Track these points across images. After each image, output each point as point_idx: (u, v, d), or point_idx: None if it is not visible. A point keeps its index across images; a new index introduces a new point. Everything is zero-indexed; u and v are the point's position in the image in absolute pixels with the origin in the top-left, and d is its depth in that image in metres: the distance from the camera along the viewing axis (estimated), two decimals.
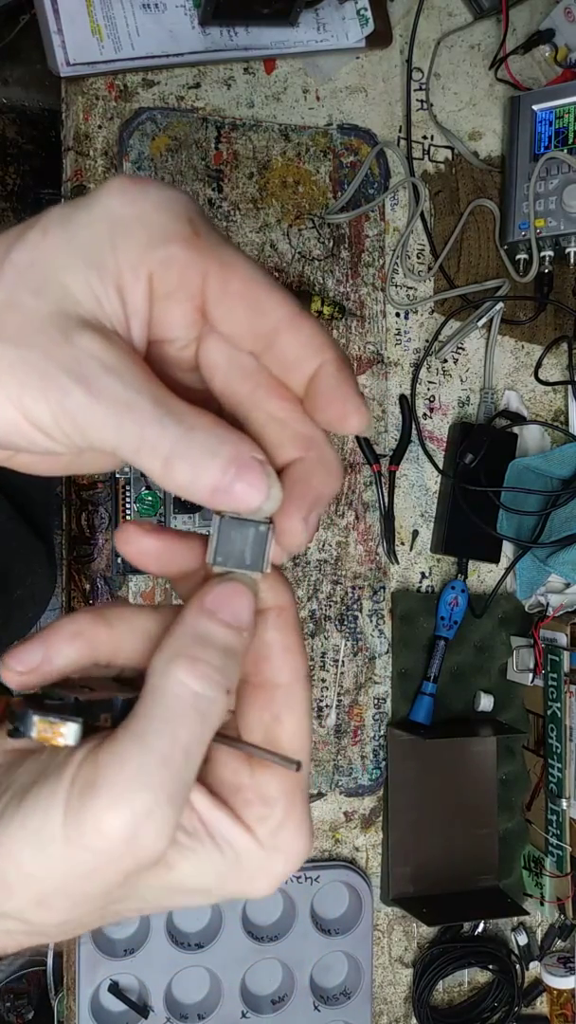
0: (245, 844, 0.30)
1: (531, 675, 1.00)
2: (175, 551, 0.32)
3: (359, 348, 1.00)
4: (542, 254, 1.01)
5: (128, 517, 0.91)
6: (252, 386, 0.31)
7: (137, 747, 0.27)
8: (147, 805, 0.27)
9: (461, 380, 1.04)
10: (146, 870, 0.28)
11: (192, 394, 0.33)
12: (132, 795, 0.27)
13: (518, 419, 1.04)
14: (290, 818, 0.31)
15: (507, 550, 1.05)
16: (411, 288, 1.03)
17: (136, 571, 0.91)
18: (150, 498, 0.90)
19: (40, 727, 0.29)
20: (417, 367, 1.02)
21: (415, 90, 1.03)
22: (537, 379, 1.06)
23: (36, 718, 0.29)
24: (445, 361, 1.04)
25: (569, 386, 1.07)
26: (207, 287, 0.30)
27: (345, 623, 0.99)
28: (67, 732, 0.29)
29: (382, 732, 1.00)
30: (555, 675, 0.97)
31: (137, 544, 0.32)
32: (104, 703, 0.30)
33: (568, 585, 1.05)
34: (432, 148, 1.04)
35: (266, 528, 0.31)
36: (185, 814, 0.30)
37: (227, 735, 0.31)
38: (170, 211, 0.30)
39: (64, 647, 0.32)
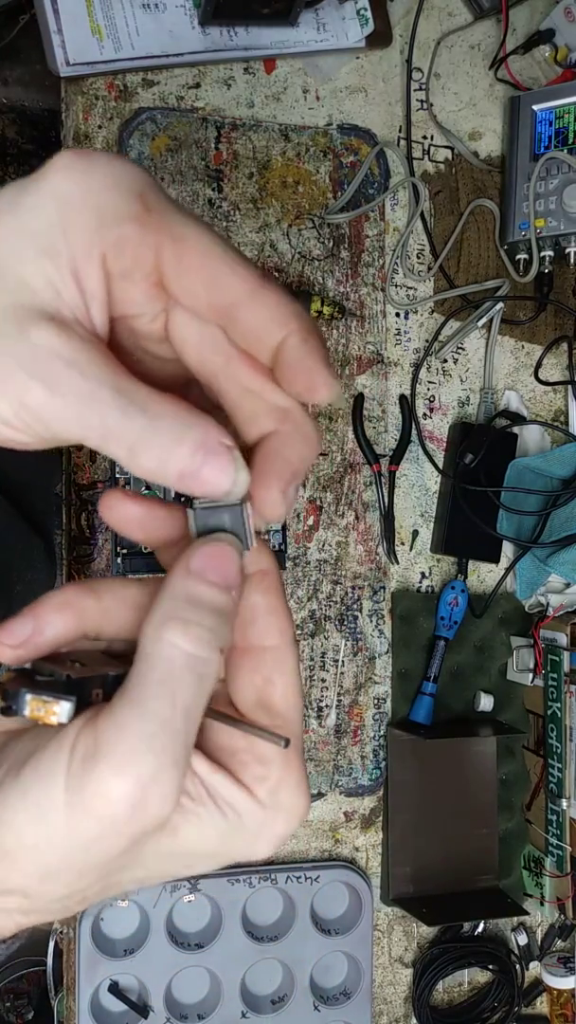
0: (246, 805, 0.31)
1: (531, 675, 1.00)
2: (159, 518, 0.32)
3: (359, 348, 1.00)
4: (542, 254, 1.01)
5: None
6: (224, 358, 0.31)
7: (136, 712, 0.27)
8: (151, 769, 0.27)
9: (461, 380, 1.04)
10: (151, 835, 0.28)
11: (167, 366, 0.33)
12: (136, 760, 0.27)
13: (518, 419, 1.04)
14: (288, 777, 0.31)
15: (507, 550, 1.05)
16: (411, 288, 1.03)
17: (136, 571, 0.91)
18: None
19: (33, 705, 0.29)
20: (417, 367, 1.02)
21: (415, 90, 1.03)
22: (537, 379, 1.06)
23: (29, 696, 0.29)
24: (445, 361, 1.04)
25: (569, 386, 1.07)
26: (162, 263, 0.29)
27: (345, 623, 0.99)
28: (60, 710, 0.29)
29: (382, 732, 1.00)
30: (555, 675, 0.97)
31: (121, 510, 0.32)
32: (96, 679, 0.30)
33: (568, 585, 1.05)
34: (432, 148, 1.04)
35: (240, 508, 0.31)
36: (187, 778, 0.30)
37: (217, 711, 0.31)
38: (119, 188, 0.29)
39: (53, 618, 0.32)
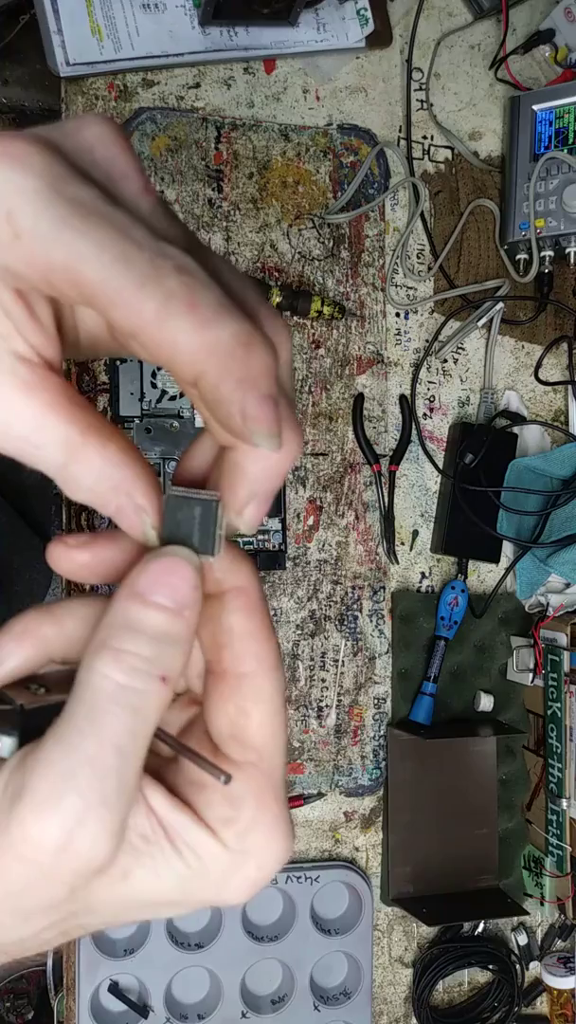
0: (208, 848, 0.28)
1: (531, 675, 1.00)
2: (108, 556, 0.30)
3: (359, 348, 1.00)
4: (542, 254, 1.01)
5: None
6: (193, 373, 0.27)
7: (61, 749, 0.26)
8: (75, 810, 0.25)
9: (461, 380, 1.04)
10: (94, 880, 0.26)
11: None
12: (57, 800, 0.25)
13: (518, 419, 1.04)
14: (260, 819, 0.29)
15: (507, 550, 1.05)
16: (411, 288, 1.03)
17: None
18: None
19: None
20: (417, 367, 1.02)
21: (415, 90, 1.03)
22: (537, 379, 1.06)
23: None
24: (445, 361, 1.04)
25: (569, 386, 1.07)
26: (57, 291, 0.26)
27: (345, 623, 0.99)
28: (1, 746, 0.27)
29: (382, 732, 1.00)
30: (555, 675, 0.97)
31: (67, 562, 0.30)
32: (56, 706, 0.27)
33: (568, 585, 1.05)
34: (432, 148, 1.04)
35: (214, 504, 0.28)
36: (141, 816, 0.28)
37: (161, 732, 0.29)
38: None
39: (12, 647, 0.30)
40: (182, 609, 0.27)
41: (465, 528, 1.00)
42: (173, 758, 0.30)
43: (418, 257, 1.04)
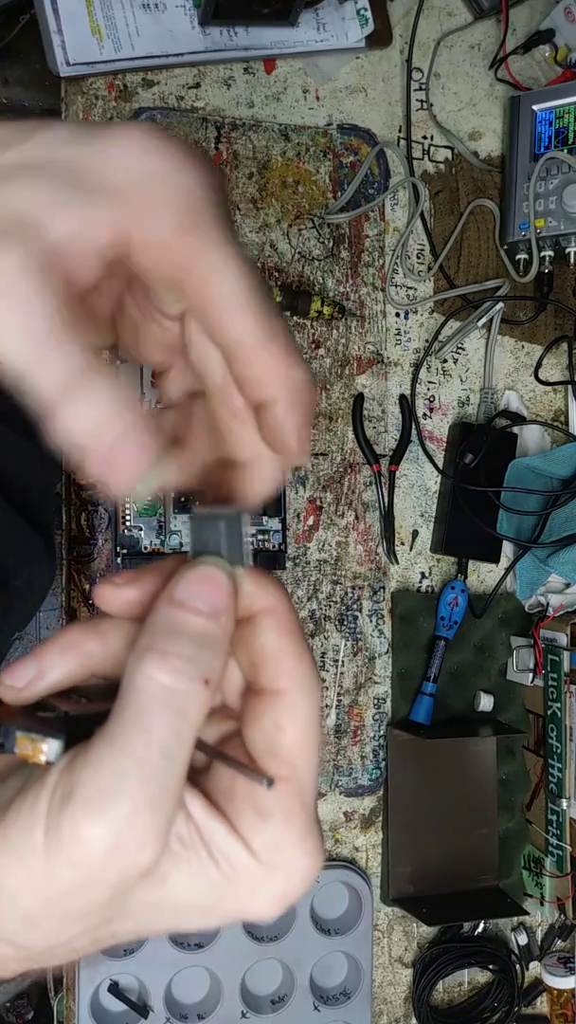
0: (241, 858, 0.28)
1: (531, 675, 1.00)
2: (154, 591, 0.30)
3: (359, 348, 1.00)
4: (542, 254, 1.01)
5: (127, 518, 0.91)
6: (222, 381, 0.31)
7: (110, 750, 0.26)
8: (126, 811, 0.25)
9: (461, 380, 1.04)
10: (136, 883, 0.27)
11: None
12: (108, 801, 0.25)
13: (518, 419, 1.04)
14: (288, 832, 0.29)
15: (507, 550, 1.05)
16: (411, 288, 1.03)
17: None
18: (149, 498, 0.90)
19: (21, 743, 0.27)
20: (417, 367, 1.02)
21: (415, 90, 1.03)
22: (537, 379, 1.06)
23: (19, 734, 0.27)
24: (445, 361, 1.04)
25: (569, 386, 1.07)
26: (185, 283, 0.29)
27: (345, 623, 0.99)
28: (48, 749, 0.27)
29: (382, 732, 1.00)
30: (555, 675, 0.97)
31: (117, 600, 0.31)
32: (100, 715, 0.28)
33: (568, 585, 1.05)
34: (432, 148, 1.04)
35: (237, 516, 0.30)
36: (180, 821, 0.28)
37: (200, 741, 0.29)
38: (178, 190, 0.28)
39: (57, 661, 0.31)
40: (219, 615, 0.29)
41: (465, 528, 1.00)
42: (205, 769, 0.31)
43: (418, 257, 1.04)
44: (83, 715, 0.28)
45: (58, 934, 0.27)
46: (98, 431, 0.27)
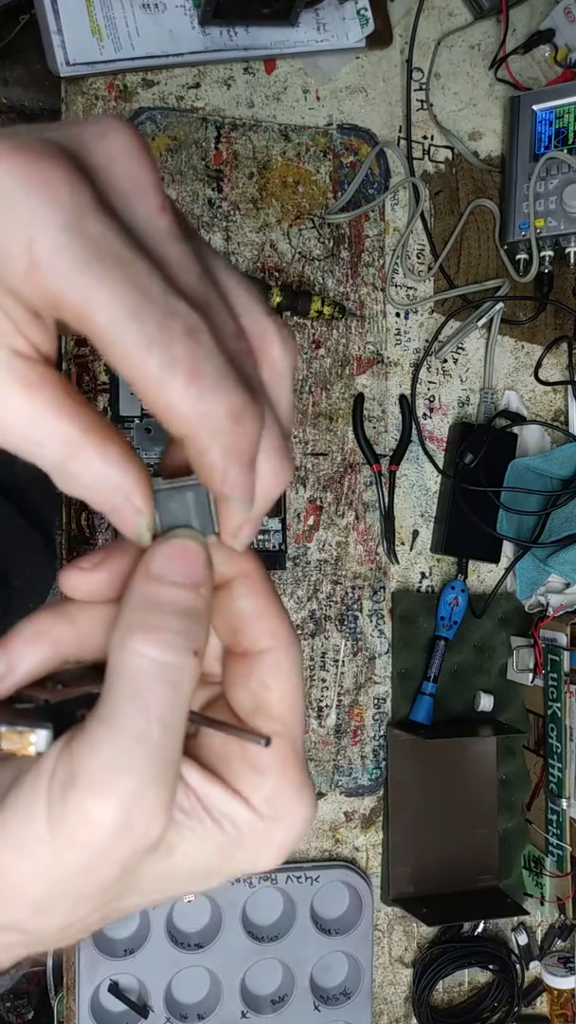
0: (244, 816, 0.29)
1: (531, 675, 1.00)
2: (124, 570, 0.30)
3: (359, 348, 1.00)
4: (542, 254, 1.01)
5: None
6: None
7: (109, 731, 0.26)
8: (132, 788, 0.26)
9: (461, 380, 1.04)
10: (146, 857, 0.27)
11: None
12: (115, 780, 0.26)
13: (518, 419, 1.04)
14: (285, 784, 0.30)
15: (507, 550, 1.05)
16: (411, 288, 1.03)
17: None
18: None
19: (8, 738, 0.27)
20: (417, 367, 1.02)
21: (415, 90, 1.03)
22: (537, 379, 1.06)
23: (3, 729, 0.27)
24: (445, 361, 1.04)
25: (569, 386, 1.07)
26: (67, 322, 0.26)
27: (345, 623, 0.99)
28: (36, 740, 0.27)
29: (382, 732, 1.00)
30: (555, 675, 0.97)
31: (84, 586, 0.31)
32: (80, 699, 0.28)
33: (568, 585, 1.05)
34: (432, 148, 1.04)
35: (201, 486, 0.29)
36: (180, 791, 0.28)
37: (194, 712, 0.30)
38: (12, 227, 0.25)
39: (26, 652, 0.30)
40: (199, 586, 0.29)
41: (465, 528, 1.00)
42: (194, 736, 0.31)
43: (418, 257, 1.04)
44: (63, 701, 0.28)
45: (69, 916, 0.27)
46: (92, 502, 0.28)
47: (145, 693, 0.27)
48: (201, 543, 0.29)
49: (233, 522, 0.30)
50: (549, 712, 0.98)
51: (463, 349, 1.04)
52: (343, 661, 0.99)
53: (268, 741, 0.29)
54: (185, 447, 0.27)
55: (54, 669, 0.31)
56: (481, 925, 1.05)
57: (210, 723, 0.30)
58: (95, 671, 0.30)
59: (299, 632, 0.98)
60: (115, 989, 0.92)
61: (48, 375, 0.27)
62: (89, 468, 0.27)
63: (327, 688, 0.99)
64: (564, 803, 0.96)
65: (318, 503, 0.98)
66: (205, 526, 0.30)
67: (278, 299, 0.95)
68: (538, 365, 1.06)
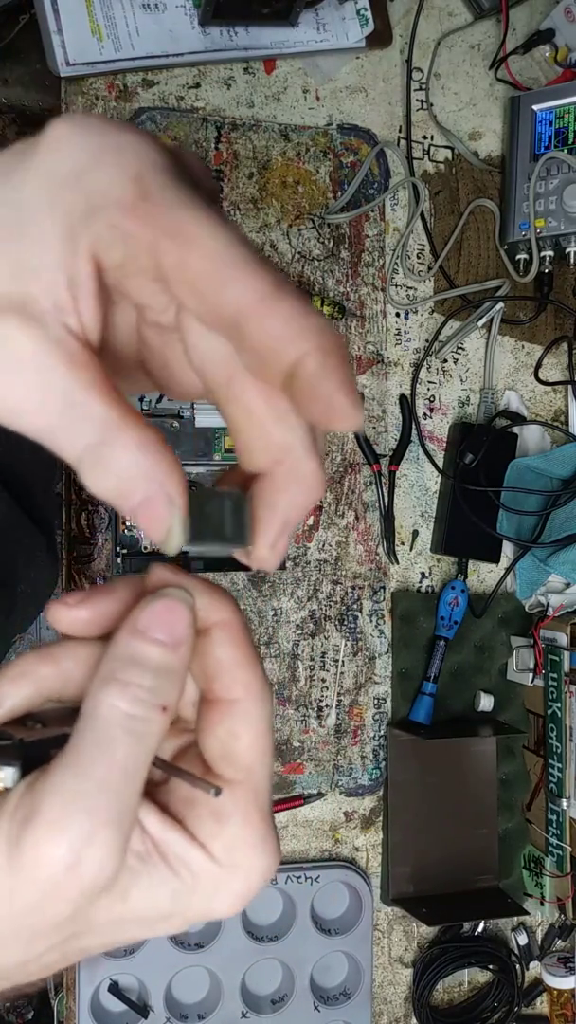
0: (200, 863, 0.29)
1: (531, 675, 1.00)
2: (107, 610, 0.31)
3: (359, 348, 1.00)
4: (542, 254, 1.01)
5: (127, 519, 0.91)
6: (227, 375, 0.29)
7: (71, 773, 0.27)
8: (85, 829, 0.26)
9: (461, 380, 1.04)
10: (97, 899, 0.28)
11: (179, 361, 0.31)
12: (69, 821, 0.26)
13: (518, 419, 1.04)
14: (246, 833, 0.30)
15: (507, 550, 1.05)
16: (411, 288, 1.03)
17: (137, 570, 0.91)
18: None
19: None
20: (417, 367, 1.02)
21: (415, 90, 1.03)
22: (537, 379, 1.06)
23: None
24: (445, 361, 1.04)
25: (569, 386, 1.07)
26: (162, 263, 0.26)
27: (345, 623, 0.99)
28: (4, 776, 0.28)
29: (382, 732, 1.00)
30: (555, 675, 0.97)
31: (70, 620, 0.31)
32: (54, 739, 0.29)
33: (568, 585, 1.05)
34: (432, 148, 1.04)
35: (242, 496, 0.29)
36: (135, 837, 0.29)
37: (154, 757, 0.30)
38: (114, 166, 0.26)
39: (9, 690, 0.31)
40: (178, 645, 0.29)
41: (465, 528, 1.00)
42: (163, 781, 0.31)
43: (418, 257, 1.04)
44: (38, 740, 0.29)
45: (25, 952, 0.28)
46: (123, 492, 0.27)
47: (111, 742, 0.27)
48: (189, 604, 0.30)
49: (271, 533, 0.30)
50: (549, 712, 0.98)
51: (463, 349, 1.04)
52: (343, 661, 0.99)
53: (218, 791, 0.30)
54: (298, 376, 0.26)
55: (36, 708, 0.32)
56: (481, 925, 1.05)
57: (166, 768, 0.31)
58: (75, 713, 0.31)
59: (299, 632, 0.98)
60: (115, 989, 0.92)
61: (93, 359, 0.27)
62: (125, 452, 0.27)
63: (327, 688, 0.99)
64: (564, 803, 0.96)
65: (318, 503, 0.98)
66: (239, 536, 0.30)
67: None
68: (538, 365, 1.06)
